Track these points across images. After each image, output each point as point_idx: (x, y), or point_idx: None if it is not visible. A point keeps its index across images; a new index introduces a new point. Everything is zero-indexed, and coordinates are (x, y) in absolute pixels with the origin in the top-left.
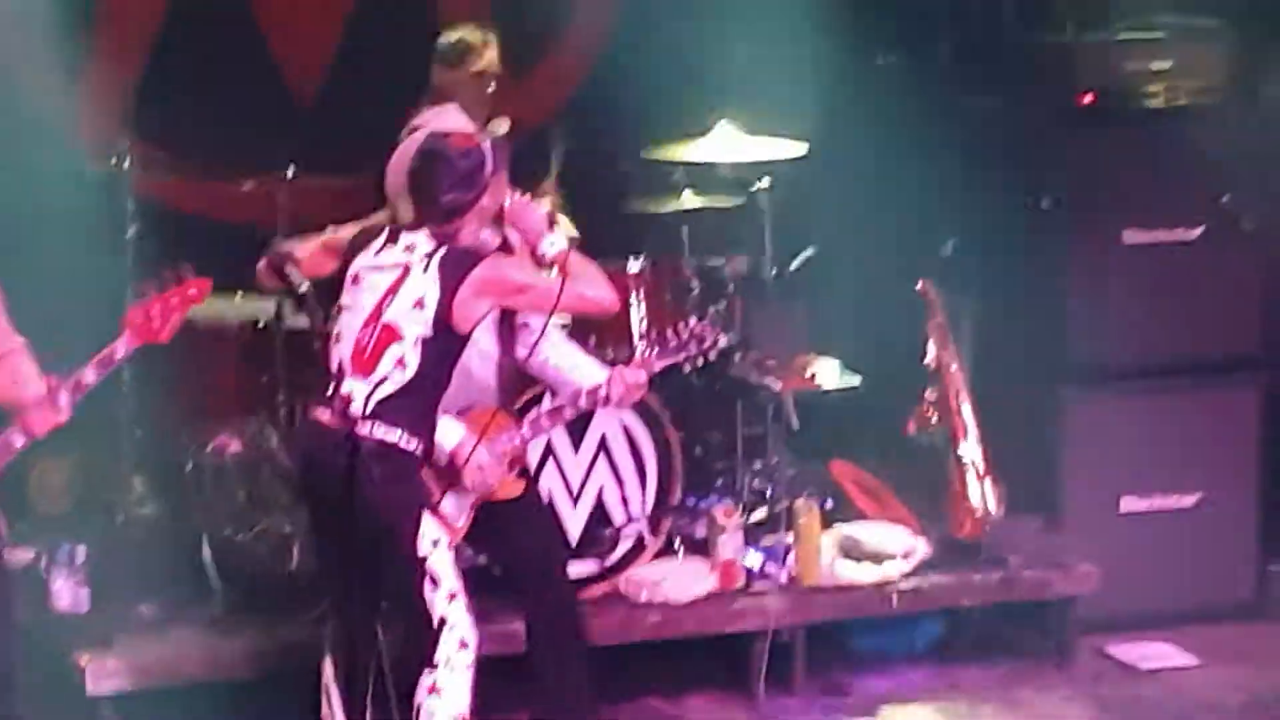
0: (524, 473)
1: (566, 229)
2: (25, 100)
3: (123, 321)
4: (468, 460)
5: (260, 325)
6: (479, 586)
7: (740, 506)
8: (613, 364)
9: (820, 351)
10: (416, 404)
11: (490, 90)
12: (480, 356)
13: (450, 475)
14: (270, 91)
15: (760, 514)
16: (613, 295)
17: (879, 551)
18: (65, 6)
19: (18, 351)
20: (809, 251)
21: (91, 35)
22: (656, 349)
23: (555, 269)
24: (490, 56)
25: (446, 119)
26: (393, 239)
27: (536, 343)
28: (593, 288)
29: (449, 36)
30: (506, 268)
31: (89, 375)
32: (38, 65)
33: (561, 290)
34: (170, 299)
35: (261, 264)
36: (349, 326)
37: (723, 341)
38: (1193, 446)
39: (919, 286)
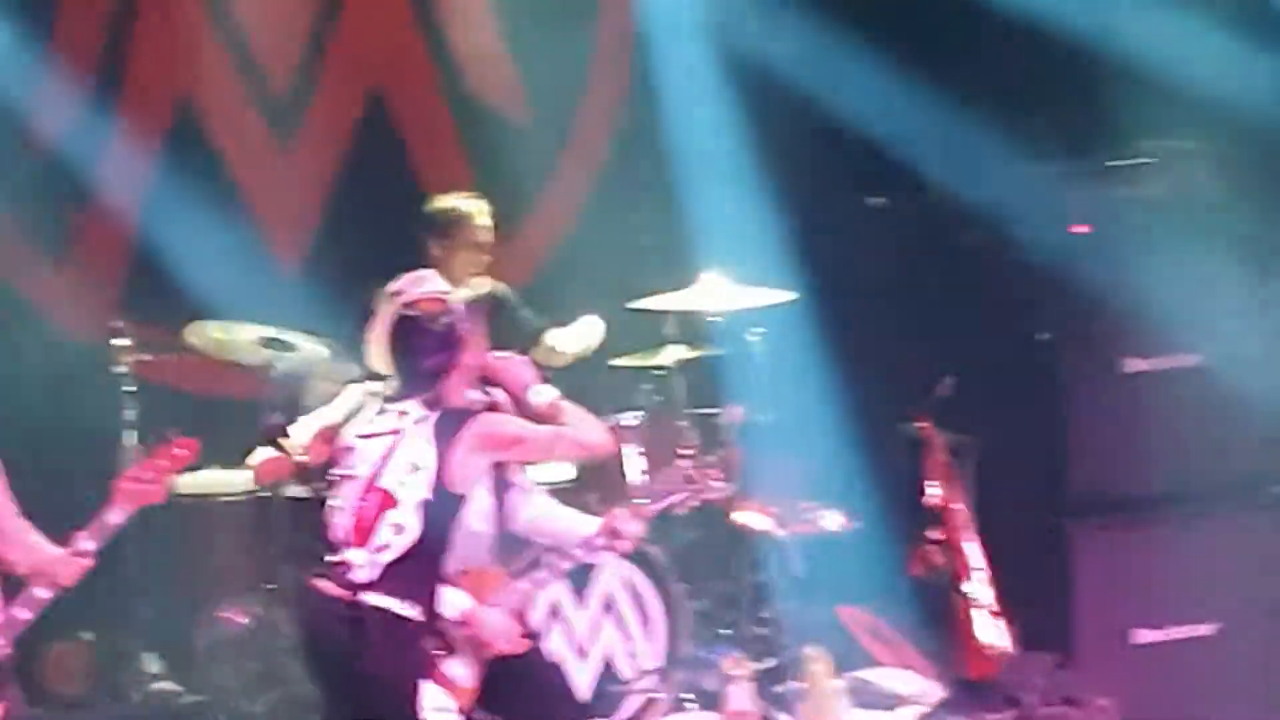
0: (531, 631)
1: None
2: (17, 282)
3: (115, 487)
4: (483, 625)
5: (261, 496)
6: None
7: (749, 656)
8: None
9: (821, 495)
10: (418, 568)
11: (484, 258)
12: (478, 515)
13: (457, 640)
14: (258, 266)
15: (769, 663)
16: (609, 437)
17: (891, 695)
18: (53, 184)
19: (22, 526)
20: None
21: (79, 213)
22: (649, 497)
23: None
24: (483, 222)
25: (421, 283)
26: (382, 408)
27: (520, 501)
28: (587, 432)
29: (439, 205)
30: (499, 422)
31: (87, 544)
32: (28, 247)
33: (556, 438)
34: (159, 461)
35: (255, 461)
36: (346, 496)
37: (716, 485)
38: (1205, 574)
39: (918, 426)
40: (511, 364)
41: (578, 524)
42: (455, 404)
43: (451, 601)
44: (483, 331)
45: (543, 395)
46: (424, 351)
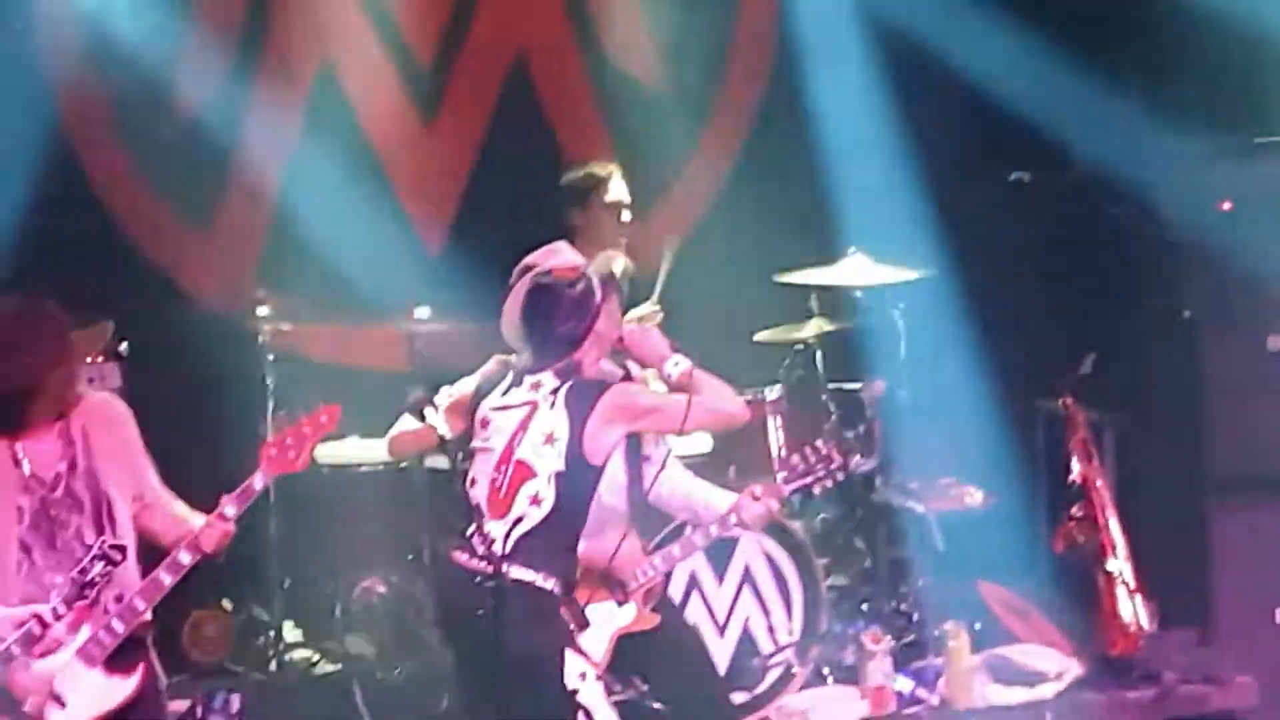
0: (666, 603)
1: None
2: (160, 254)
3: (259, 453)
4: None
5: (402, 467)
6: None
7: (888, 631)
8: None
9: (962, 471)
10: (554, 540)
11: (625, 221)
12: (611, 487)
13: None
14: (401, 237)
15: (909, 638)
16: (743, 407)
17: (1031, 672)
18: (195, 155)
19: (166, 496)
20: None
21: (224, 184)
22: (786, 473)
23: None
24: (618, 187)
25: (555, 255)
26: (518, 380)
27: (656, 474)
28: (722, 401)
29: (575, 173)
30: (633, 392)
31: (231, 509)
32: (171, 219)
33: (690, 407)
34: (302, 428)
35: (394, 433)
36: (482, 469)
37: (852, 463)
38: None
39: (1060, 402)
40: (647, 335)
41: (715, 499)
42: (589, 375)
43: None
44: (617, 302)
45: (678, 366)
46: (558, 320)
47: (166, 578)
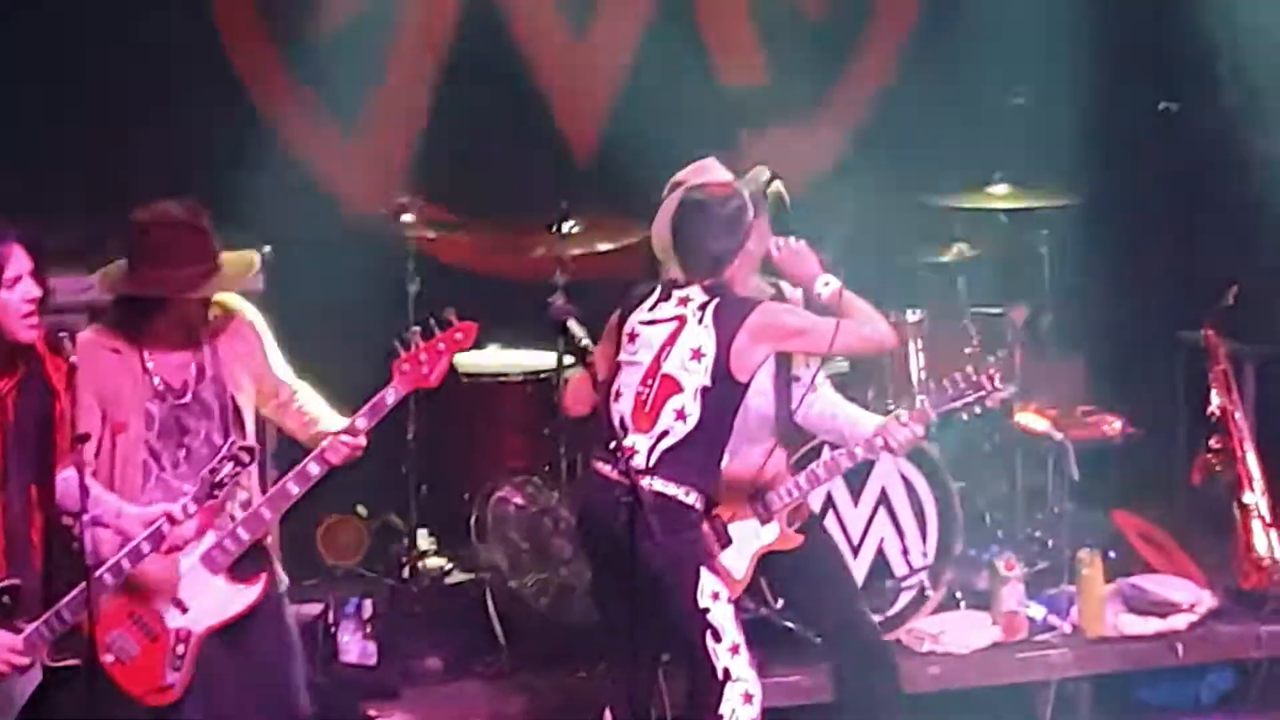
0: (806, 524)
1: None
2: (311, 157)
3: (392, 368)
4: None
5: (541, 377)
6: (761, 638)
7: (1022, 557)
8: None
9: (1101, 400)
10: (698, 455)
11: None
12: (758, 404)
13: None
14: (549, 147)
15: (1042, 565)
16: (890, 331)
17: (1164, 602)
18: (347, 60)
19: (301, 392)
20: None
21: (373, 92)
22: (933, 398)
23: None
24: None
25: (705, 172)
26: (665, 294)
27: (804, 395)
28: (870, 325)
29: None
30: (781, 312)
31: (361, 421)
32: (322, 122)
33: (838, 329)
34: (437, 344)
35: (569, 394)
36: (628, 382)
37: (1001, 390)
38: None
39: (1202, 334)
40: (799, 253)
41: (860, 421)
42: (738, 291)
43: None
44: (767, 220)
45: (829, 286)
46: (709, 236)
47: (295, 488)
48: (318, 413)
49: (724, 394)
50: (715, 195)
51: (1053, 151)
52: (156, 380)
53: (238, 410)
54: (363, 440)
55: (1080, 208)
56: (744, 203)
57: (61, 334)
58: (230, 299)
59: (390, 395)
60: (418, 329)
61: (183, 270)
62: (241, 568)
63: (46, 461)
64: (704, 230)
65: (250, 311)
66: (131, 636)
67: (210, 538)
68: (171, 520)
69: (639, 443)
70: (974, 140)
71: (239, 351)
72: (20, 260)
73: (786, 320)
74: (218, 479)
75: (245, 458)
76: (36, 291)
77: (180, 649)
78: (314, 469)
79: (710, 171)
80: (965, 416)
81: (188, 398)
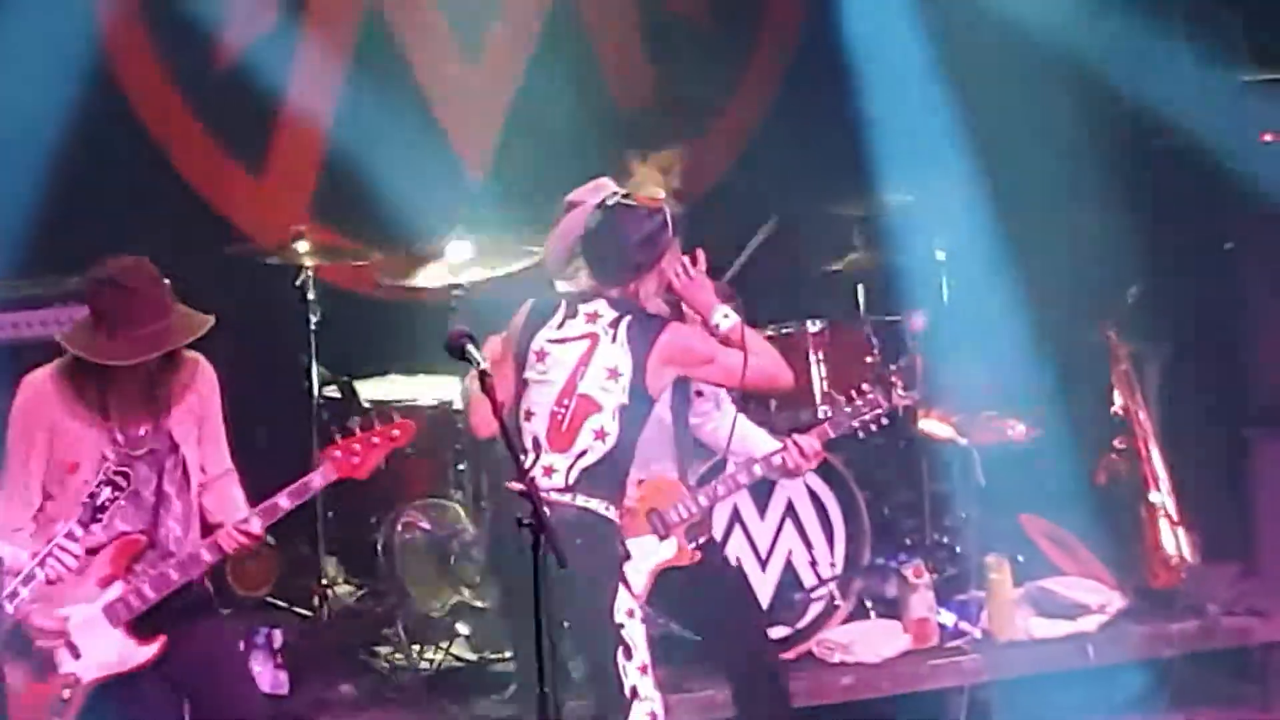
0: (707, 542)
1: None
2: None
3: (323, 454)
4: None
5: (441, 402)
6: (670, 655)
7: (930, 564)
8: (792, 430)
9: (1004, 404)
10: (614, 472)
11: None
12: (657, 424)
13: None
14: (445, 171)
15: (951, 571)
16: (789, 372)
17: (1074, 604)
18: (245, 94)
19: (227, 476)
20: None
21: (274, 122)
22: (832, 416)
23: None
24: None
25: (600, 192)
26: (572, 312)
27: (705, 410)
28: (772, 364)
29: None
30: (692, 336)
31: (284, 502)
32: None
33: (747, 365)
34: (372, 438)
35: (473, 419)
36: (540, 401)
37: (905, 399)
38: None
39: (1103, 334)
40: (699, 281)
41: (762, 441)
42: (647, 308)
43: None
44: (678, 240)
45: (728, 319)
46: (630, 245)
47: (175, 574)
48: (236, 501)
49: (636, 412)
50: (642, 206)
51: (947, 155)
52: (114, 425)
53: (185, 466)
54: (260, 535)
55: (976, 211)
56: (666, 219)
57: None
58: (195, 355)
59: (317, 480)
60: (358, 419)
61: (144, 329)
62: (143, 626)
63: None
64: (625, 239)
65: (210, 374)
66: (21, 671)
67: (116, 589)
68: (61, 548)
69: (556, 462)
70: (868, 146)
71: (191, 405)
72: None
73: (696, 345)
74: (98, 503)
75: (122, 482)
76: None
77: (66, 693)
78: (206, 556)
79: (604, 191)
80: (863, 435)
81: (142, 450)
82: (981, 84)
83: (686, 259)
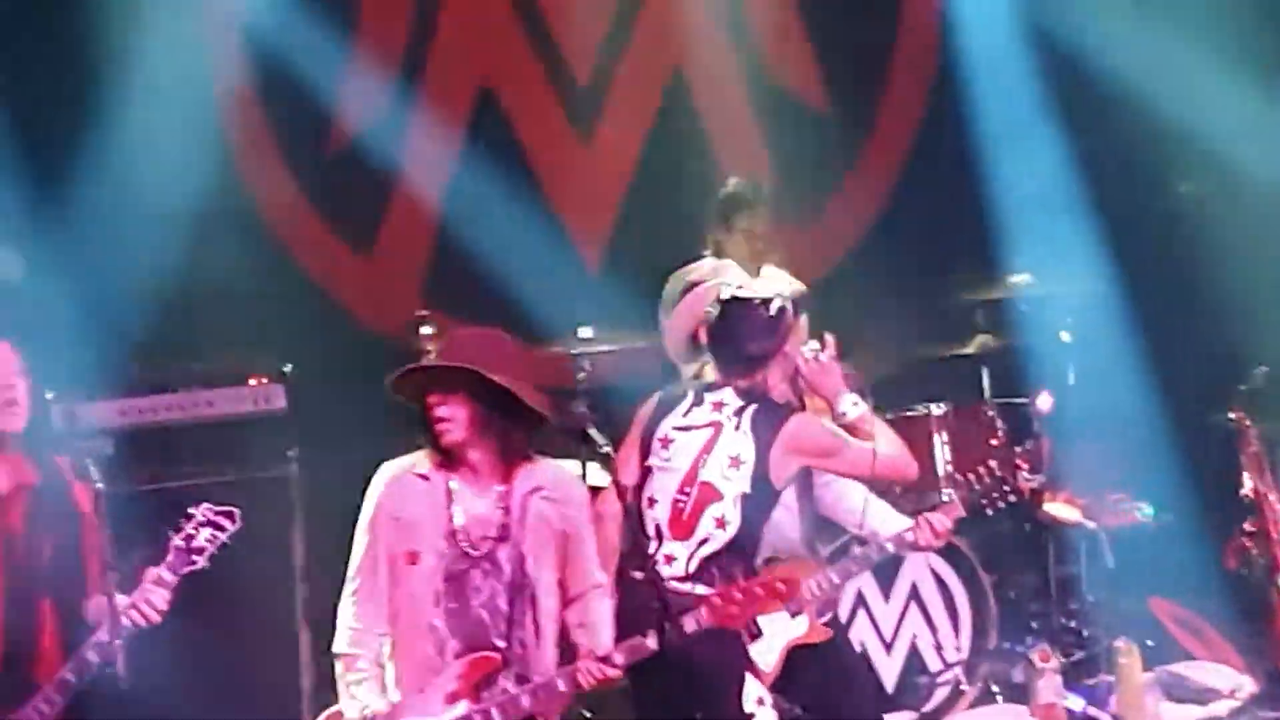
0: (834, 620)
1: None
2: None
3: (703, 600)
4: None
5: None
6: None
7: (1058, 648)
8: (917, 510)
9: (1132, 487)
10: (736, 561)
11: (762, 234)
12: (784, 508)
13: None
14: (559, 257)
15: (1079, 655)
16: (915, 464)
17: (1204, 689)
18: (357, 176)
19: (594, 591)
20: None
21: (386, 205)
22: (961, 495)
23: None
24: (760, 210)
25: (727, 274)
26: (698, 400)
27: (831, 487)
28: (901, 456)
29: (721, 191)
30: (817, 426)
31: (651, 642)
32: (333, 240)
33: (877, 458)
34: (756, 588)
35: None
36: (663, 488)
37: (1030, 481)
38: None
39: (1231, 416)
40: (827, 368)
41: (889, 519)
42: (772, 397)
43: None
44: (802, 324)
45: (856, 407)
46: (749, 337)
47: (547, 701)
48: (598, 622)
49: (760, 500)
50: (759, 298)
51: (1073, 238)
52: (459, 524)
53: (534, 591)
54: (620, 671)
55: (1103, 294)
56: (785, 307)
57: (87, 459)
58: (561, 467)
59: (690, 623)
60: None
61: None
62: None
63: (69, 583)
64: (745, 330)
65: (579, 490)
66: None
67: (461, 707)
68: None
69: (677, 550)
70: (993, 230)
71: (544, 513)
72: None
73: (821, 437)
74: (194, 544)
75: (226, 524)
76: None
77: None
78: (562, 687)
79: (732, 273)
80: (991, 512)
81: (482, 550)
82: (1108, 166)
83: (815, 344)
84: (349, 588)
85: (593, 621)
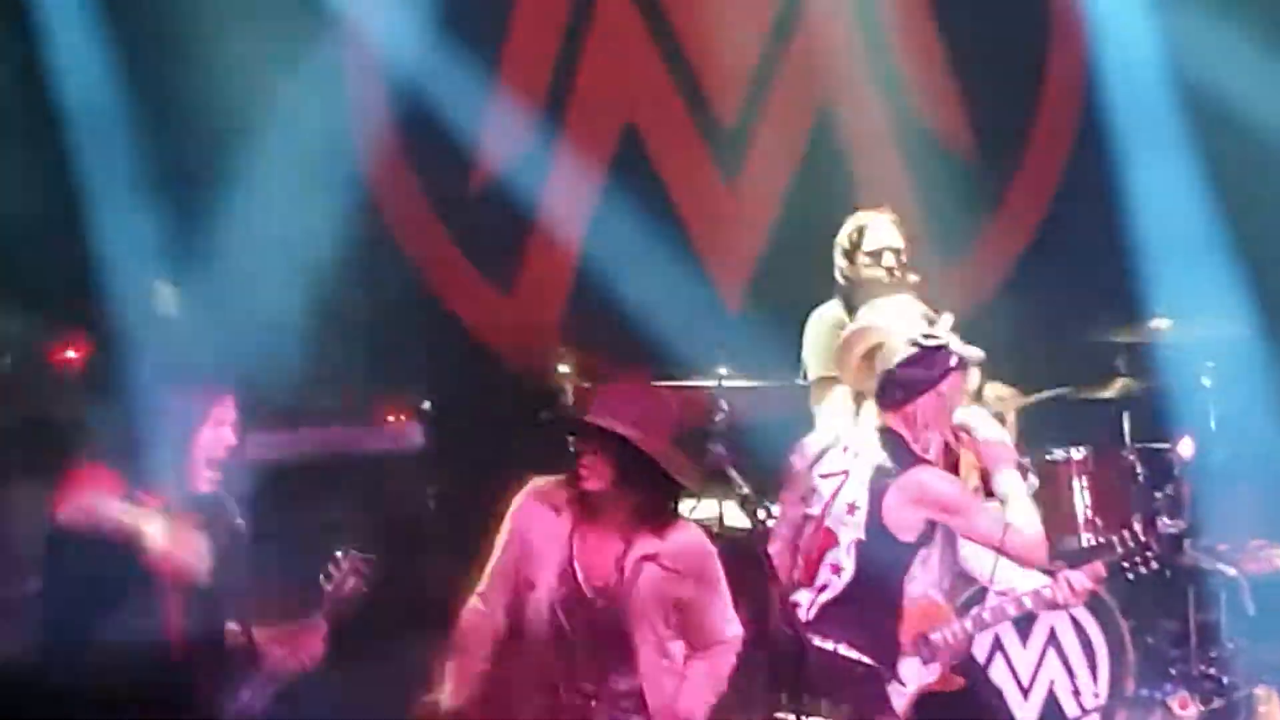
0: (968, 667)
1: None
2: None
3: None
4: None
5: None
6: None
7: (1197, 696)
8: (1054, 557)
9: (1273, 532)
10: (861, 612)
11: (891, 265)
12: (924, 554)
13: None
14: (700, 296)
15: (1218, 703)
16: (1044, 552)
17: None
18: (499, 213)
19: (718, 648)
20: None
21: (527, 243)
22: (1104, 556)
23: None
24: (879, 233)
25: (904, 308)
26: (839, 445)
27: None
28: (1033, 542)
29: (849, 224)
30: (942, 481)
31: None
32: (475, 277)
33: (1009, 531)
34: None
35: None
36: (805, 535)
37: (1166, 530)
38: None
39: None
40: (997, 441)
41: (1029, 574)
42: (910, 444)
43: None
44: (968, 379)
45: (1010, 487)
46: (909, 362)
47: None
48: (705, 677)
49: (883, 550)
50: (939, 346)
51: (1216, 282)
52: (576, 568)
53: (631, 641)
54: None
55: (1243, 337)
56: (947, 345)
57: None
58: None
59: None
60: None
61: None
62: None
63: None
64: (906, 358)
65: (695, 542)
66: None
67: None
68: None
69: (802, 596)
70: (1135, 273)
71: (655, 578)
72: (229, 410)
73: (941, 491)
74: (343, 591)
75: (367, 570)
76: (232, 440)
77: None
78: None
79: (910, 308)
80: (1131, 577)
81: (587, 594)
82: (1251, 207)
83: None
84: (478, 589)
85: (703, 675)
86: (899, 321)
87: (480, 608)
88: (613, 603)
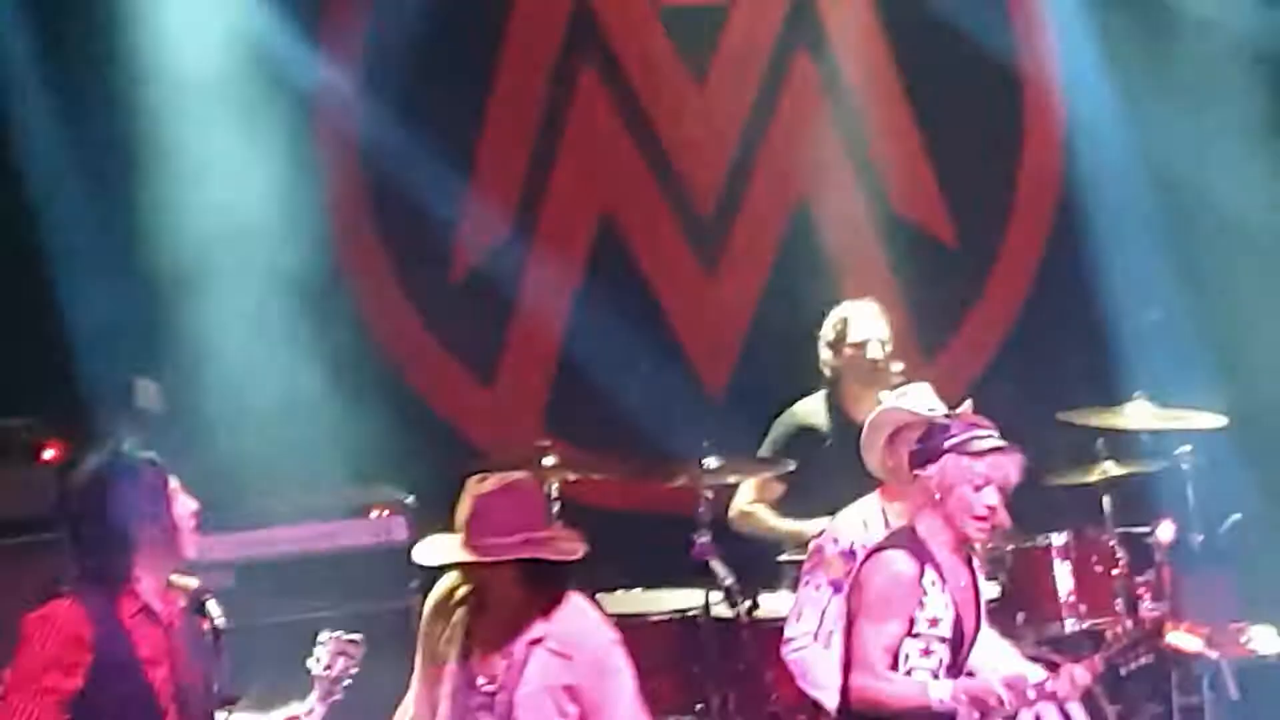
0: None
1: None
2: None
3: None
4: None
5: (689, 616)
6: None
7: None
8: (1039, 642)
9: (1255, 618)
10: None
11: (875, 356)
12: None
13: None
14: (682, 386)
15: None
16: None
17: None
18: (478, 304)
19: None
20: (1236, 517)
21: (506, 334)
22: (1102, 652)
23: None
24: (863, 325)
25: (920, 394)
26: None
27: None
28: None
29: (833, 315)
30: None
31: None
32: (454, 367)
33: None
34: None
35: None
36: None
37: (1148, 615)
38: None
39: None
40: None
41: (1026, 670)
42: (920, 527)
43: None
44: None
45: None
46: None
47: None
48: None
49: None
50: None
51: (1194, 367)
52: (472, 657)
53: None
54: None
55: (1221, 422)
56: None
57: (206, 594)
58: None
59: None
60: None
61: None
62: None
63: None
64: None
65: (593, 637)
66: None
67: None
68: None
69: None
70: (1113, 359)
71: (547, 665)
72: (173, 480)
73: (867, 584)
74: (334, 676)
75: (354, 651)
76: (194, 504)
77: None
78: None
79: (925, 395)
80: (1124, 672)
81: (485, 688)
82: (1225, 292)
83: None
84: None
85: None
86: (923, 403)
87: (407, 708)
88: (502, 691)
